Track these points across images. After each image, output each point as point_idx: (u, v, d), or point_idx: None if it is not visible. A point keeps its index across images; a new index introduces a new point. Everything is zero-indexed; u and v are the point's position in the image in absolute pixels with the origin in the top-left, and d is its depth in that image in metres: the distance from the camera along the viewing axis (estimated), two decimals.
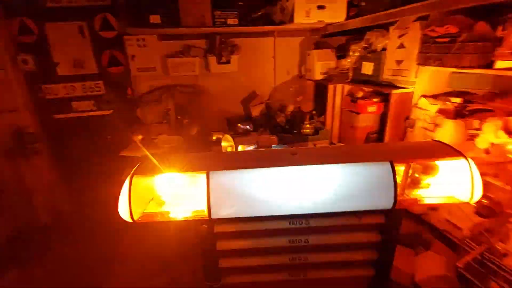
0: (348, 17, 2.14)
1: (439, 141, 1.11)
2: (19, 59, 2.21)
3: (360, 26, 1.99)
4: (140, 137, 2.09)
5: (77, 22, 2.27)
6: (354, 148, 1.43)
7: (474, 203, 1.42)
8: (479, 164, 1.32)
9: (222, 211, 0.94)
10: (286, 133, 2.39)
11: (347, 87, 2.31)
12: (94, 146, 2.52)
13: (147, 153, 1.00)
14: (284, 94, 2.76)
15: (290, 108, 2.56)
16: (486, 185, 1.46)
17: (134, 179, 0.91)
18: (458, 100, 1.62)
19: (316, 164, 0.96)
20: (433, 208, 1.61)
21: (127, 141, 2.12)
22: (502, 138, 1.27)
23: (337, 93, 2.36)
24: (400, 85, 1.84)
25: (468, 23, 1.39)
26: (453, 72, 1.67)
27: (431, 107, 1.65)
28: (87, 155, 2.51)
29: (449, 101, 1.64)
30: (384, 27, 1.91)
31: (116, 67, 2.45)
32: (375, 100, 2.12)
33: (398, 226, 1.10)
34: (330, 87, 2.35)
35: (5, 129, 2.29)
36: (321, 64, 2.48)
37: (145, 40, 2.35)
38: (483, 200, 1.42)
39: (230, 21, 2.22)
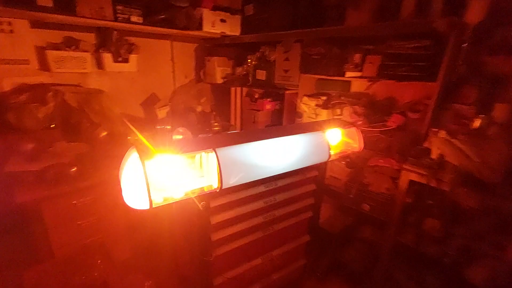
0: (243, 32, 2.61)
1: (338, 118, 1.72)
2: None
3: (255, 41, 2.50)
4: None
5: None
6: (293, 126, 1.85)
7: (344, 162, 2.21)
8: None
9: (231, 180, 1.12)
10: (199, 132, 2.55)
11: (245, 90, 2.77)
12: None
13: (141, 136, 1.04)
14: (185, 97, 2.87)
15: (199, 108, 2.73)
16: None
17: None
18: (324, 97, 2.43)
19: (282, 136, 1.32)
20: None
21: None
22: (354, 118, 2.10)
23: (237, 95, 2.77)
24: (289, 87, 2.49)
25: (330, 47, 2.17)
26: (318, 79, 2.48)
27: (311, 102, 2.38)
28: None
29: (320, 98, 2.43)
30: (272, 44, 2.51)
31: None
32: (269, 99, 2.70)
33: (324, 177, 1.63)
34: (232, 90, 2.73)
35: None
36: (221, 69, 2.82)
37: (11, 25, 1.82)
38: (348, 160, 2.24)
39: (134, 18, 2.13)
